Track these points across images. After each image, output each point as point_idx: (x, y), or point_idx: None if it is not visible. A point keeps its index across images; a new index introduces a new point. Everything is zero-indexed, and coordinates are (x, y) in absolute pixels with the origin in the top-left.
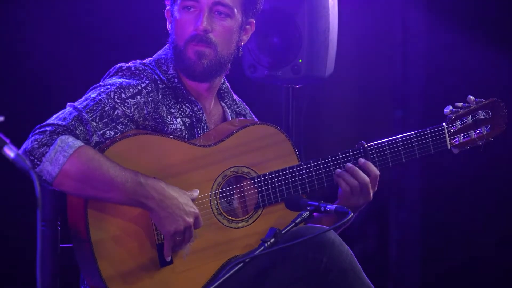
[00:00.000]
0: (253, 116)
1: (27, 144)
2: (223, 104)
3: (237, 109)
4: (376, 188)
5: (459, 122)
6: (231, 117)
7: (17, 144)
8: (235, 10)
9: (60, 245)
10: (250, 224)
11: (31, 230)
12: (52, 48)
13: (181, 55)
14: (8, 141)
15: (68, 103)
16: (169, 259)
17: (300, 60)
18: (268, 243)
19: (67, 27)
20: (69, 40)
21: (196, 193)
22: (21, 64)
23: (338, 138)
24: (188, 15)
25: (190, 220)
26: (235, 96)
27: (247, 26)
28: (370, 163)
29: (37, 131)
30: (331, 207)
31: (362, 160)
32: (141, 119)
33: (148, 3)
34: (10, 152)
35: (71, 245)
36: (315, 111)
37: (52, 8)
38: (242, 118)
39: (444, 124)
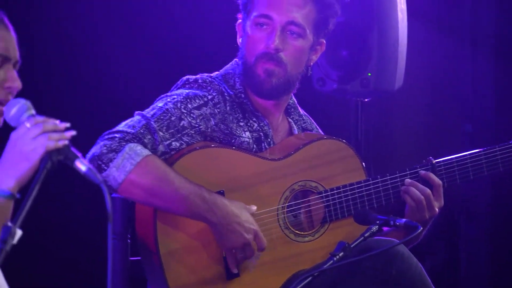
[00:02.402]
0: (320, 131)
1: (96, 149)
2: (290, 120)
3: (303, 125)
4: (442, 200)
5: None
6: (297, 132)
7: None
8: (308, 30)
9: (130, 258)
10: (316, 238)
11: (102, 243)
12: (119, 60)
13: (250, 72)
14: (80, 155)
15: (136, 112)
16: (235, 270)
17: (369, 74)
18: (337, 256)
19: (137, 40)
20: (137, 51)
21: (253, 208)
22: (89, 78)
23: (406, 152)
24: (261, 32)
25: (249, 237)
26: (301, 111)
27: (318, 46)
28: (431, 173)
29: (106, 137)
30: (400, 221)
31: (422, 172)
32: (209, 130)
33: (219, 16)
34: (81, 166)
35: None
36: (383, 124)
37: (123, 22)
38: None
39: None
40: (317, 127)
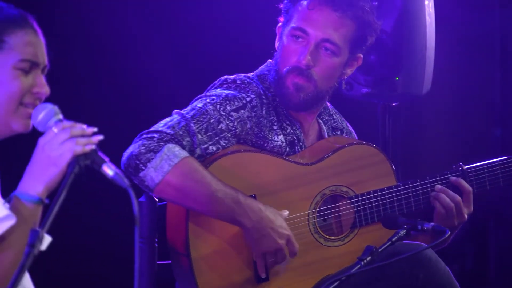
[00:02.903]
0: (350, 129)
1: (134, 148)
2: (320, 121)
3: (333, 124)
4: (471, 207)
5: None
6: (327, 134)
7: (115, 161)
8: (343, 48)
9: (158, 262)
10: (346, 243)
11: (130, 247)
12: (154, 59)
13: (280, 82)
14: (107, 159)
15: (175, 111)
16: (264, 275)
17: (397, 78)
18: (365, 261)
19: (174, 39)
20: (172, 51)
21: (285, 213)
22: (119, 81)
23: (435, 156)
24: (295, 45)
25: (282, 242)
26: (331, 110)
27: (354, 61)
28: (461, 179)
29: (144, 136)
30: (428, 225)
31: (453, 178)
32: (243, 133)
33: (257, 15)
34: (109, 170)
35: (168, 261)
36: (411, 129)
37: (158, 20)
38: (339, 134)
39: None
40: (348, 124)
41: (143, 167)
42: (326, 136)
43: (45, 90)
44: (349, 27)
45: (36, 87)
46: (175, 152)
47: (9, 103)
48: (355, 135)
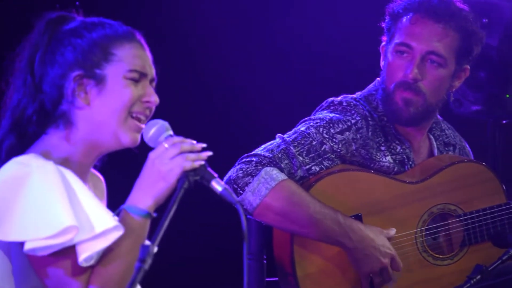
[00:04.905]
0: (464, 144)
1: (232, 172)
2: (431, 136)
3: (445, 140)
4: None
5: None
6: (438, 150)
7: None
8: (449, 59)
9: (266, 279)
10: (455, 262)
11: (239, 263)
12: (261, 82)
13: (389, 99)
14: (216, 175)
15: (278, 135)
16: None
17: (508, 95)
18: (474, 279)
19: (280, 62)
20: (278, 73)
21: (392, 231)
22: (230, 98)
23: None
24: (400, 60)
25: (385, 261)
26: (444, 126)
27: (461, 73)
28: None
29: (243, 160)
30: None
31: None
32: (349, 154)
33: (363, 35)
34: (218, 186)
35: (277, 278)
36: None
37: (267, 42)
38: (451, 149)
39: None
40: (462, 139)
41: (241, 191)
42: (436, 152)
43: (154, 99)
44: (453, 38)
45: (145, 96)
46: (272, 175)
47: (120, 112)
48: (469, 150)
